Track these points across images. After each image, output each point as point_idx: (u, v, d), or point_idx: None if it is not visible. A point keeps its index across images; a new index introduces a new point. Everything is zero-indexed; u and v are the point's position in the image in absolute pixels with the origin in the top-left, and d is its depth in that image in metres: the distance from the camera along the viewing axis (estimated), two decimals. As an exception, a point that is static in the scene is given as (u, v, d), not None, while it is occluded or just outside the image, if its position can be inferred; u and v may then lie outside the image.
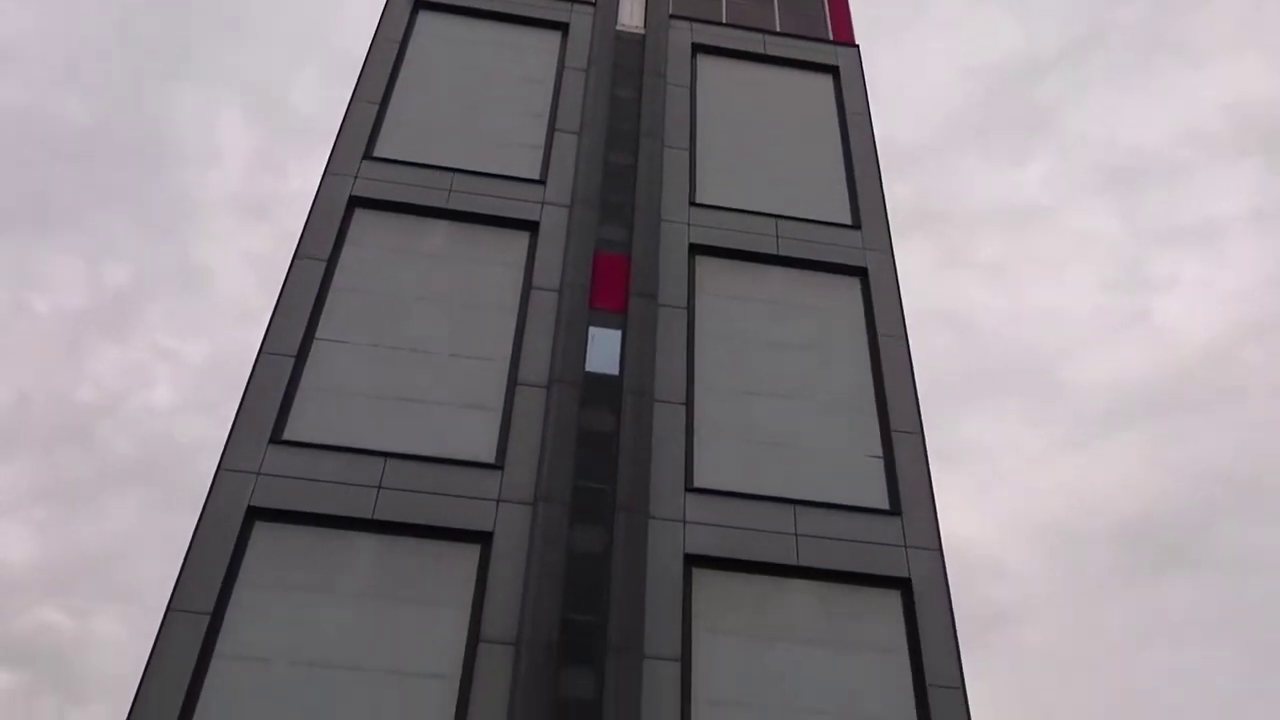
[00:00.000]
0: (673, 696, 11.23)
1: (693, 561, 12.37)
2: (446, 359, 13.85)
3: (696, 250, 15.92)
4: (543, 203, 15.96)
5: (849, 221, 16.95)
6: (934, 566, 12.78)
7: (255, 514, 11.86)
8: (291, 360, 13.25)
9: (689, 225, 16.15)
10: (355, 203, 15.43)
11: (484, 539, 12.08)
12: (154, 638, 10.78)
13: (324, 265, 14.43)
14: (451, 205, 15.66)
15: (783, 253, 16.09)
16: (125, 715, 10.23)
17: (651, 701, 11.10)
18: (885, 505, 13.36)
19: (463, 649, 11.25)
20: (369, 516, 11.99)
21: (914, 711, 11.64)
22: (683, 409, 13.77)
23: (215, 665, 10.76)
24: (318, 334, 13.70)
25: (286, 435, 12.56)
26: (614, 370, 13.86)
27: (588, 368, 13.79)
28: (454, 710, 10.80)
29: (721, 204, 16.74)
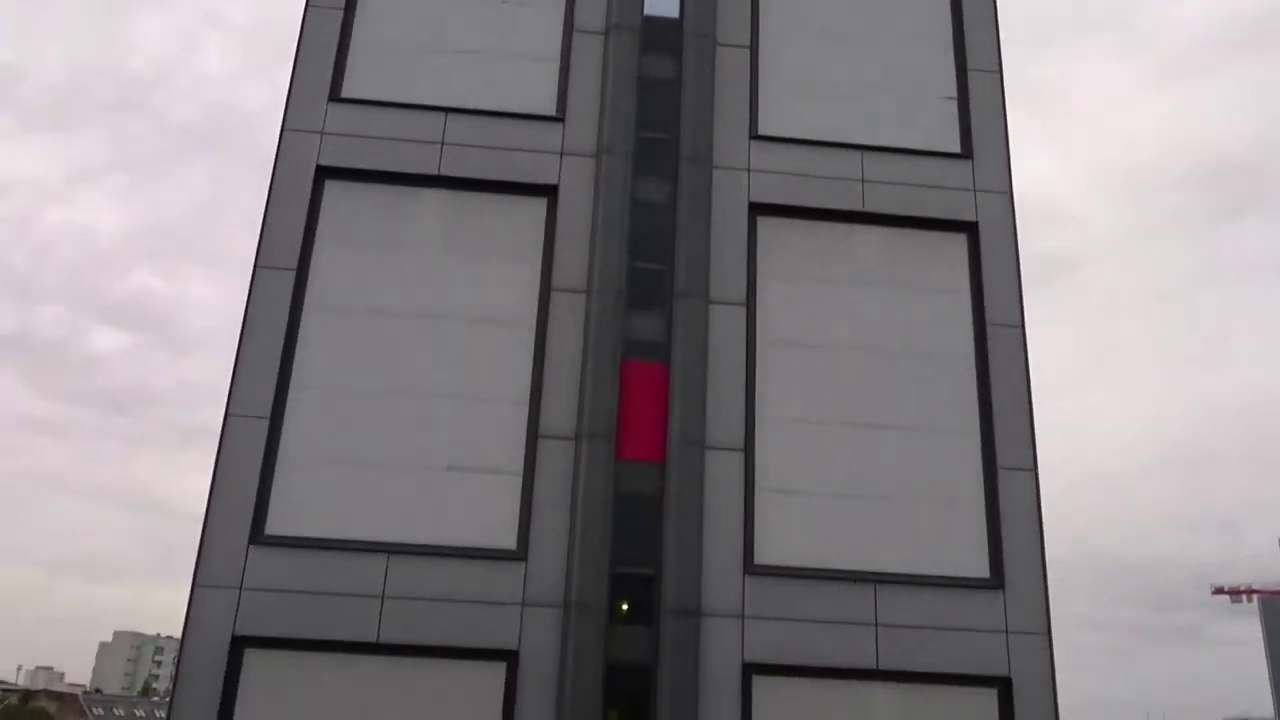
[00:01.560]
0: (738, 341, 11.75)
1: (757, 210, 12.42)
2: (499, 7, 13.25)
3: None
4: None
5: None
6: (1002, 209, 12.66)
7: (324, 173, 12.06)
8: (340, 14, 12.81)
9: None
10: None
11: (549, 192, 12.21)
12: (247, 295, 11.46)
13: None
14: None
15: None
16: (231, 367, 11.16)
17: (718, 345, 11.66)
18: (956, 149, 13.01)
19: (536, 297, 11.77)
20: (434, 173, 12.13)
21: (973, 348, 12.08)
22: (747, 53, 13.17)
23: (306, 317, 11.48)
24: (365, -17, 13.09)
25: (345, 93, 12.43)
26: (674, 12, 13.15)
27: (646, 10, 13.11)
28: (532, 354, 11.52)
29: None
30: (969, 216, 12.60)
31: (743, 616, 10.73)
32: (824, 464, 11.53)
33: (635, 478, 11.11)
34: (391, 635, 10.33)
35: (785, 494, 11.35)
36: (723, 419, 11.42)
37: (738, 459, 11.31)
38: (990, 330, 12.10)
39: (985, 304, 12.22)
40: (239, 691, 10.16)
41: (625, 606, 10.78)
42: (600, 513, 10.78)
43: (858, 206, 12.53)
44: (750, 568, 10.91)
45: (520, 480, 11.02)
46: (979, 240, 12.51)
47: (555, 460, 11.05)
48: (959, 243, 12.58)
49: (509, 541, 10.78)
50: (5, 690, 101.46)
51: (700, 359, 11.55)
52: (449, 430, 11.23)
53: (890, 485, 11.52)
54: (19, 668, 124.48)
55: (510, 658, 10.39)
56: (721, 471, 11.21)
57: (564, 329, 11.60)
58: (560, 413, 11.26)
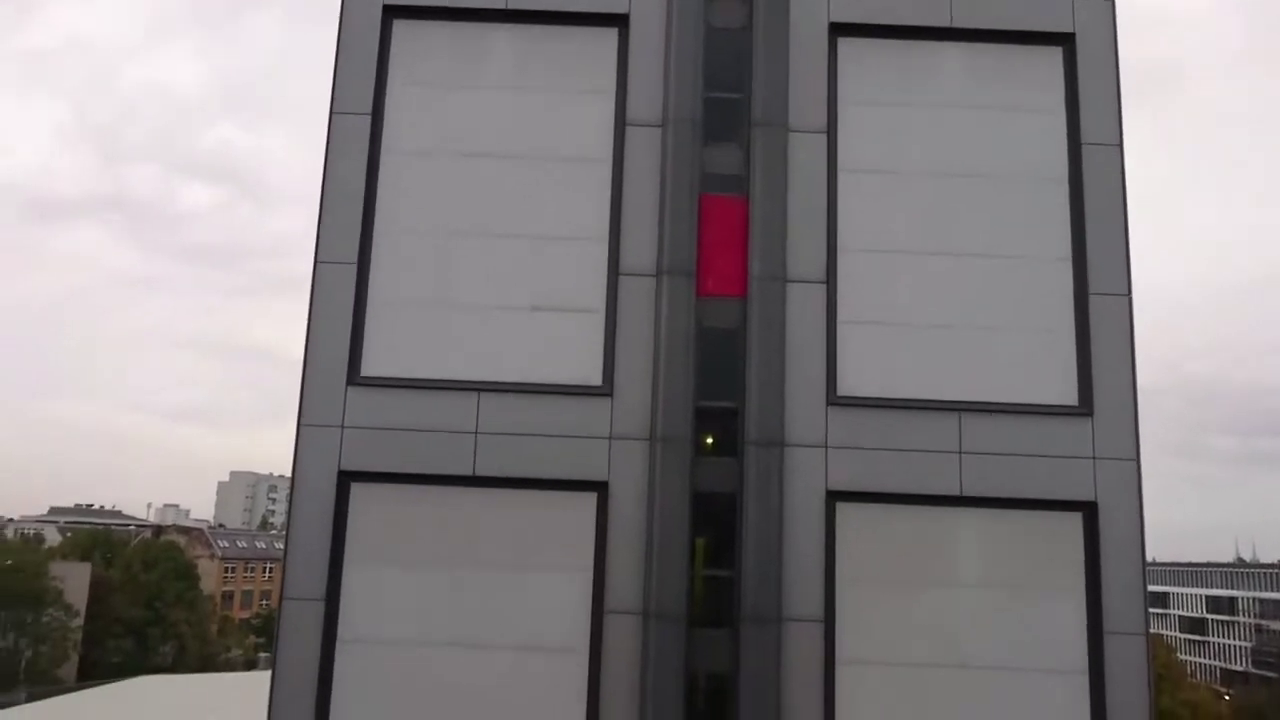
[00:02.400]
0: (819, 170, 11.45)
1: (838, 30, 11.84)
2: None
3: None
4: None
5: None
6: (1102, 17, 11.83)
7: (392, 12, 11.83)
8: None
9: None
10: None
11: (620, 21, 11.80)
12: (325, 142, 11.51)
13: None
14: None
15: None
16: (316, 219, 11.34)
17: (798, 175, 11.39)
18: (1054, -48, 12.09)
19: (611, 133, 11.57)
20: (503, 6, 11.81)
21: (1065, 170, 11.57)
22: None
23: (384, 161, 11.53)
24: None
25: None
26: None
27: None
28: (610, 191, 11.43)
29: None
30: (1065, 27, 11.82)
31: (826, 446, 10.89)
32: (908, 294, 11.37)
33: (717, 313, 11.15)
34: (486, 469, 10.79)
35: (868, 325, 11.28)
36: (804, 251, 11.28)
37: (819, 291, 11.23)
38: (1085, 150, 11.55)
39: (1080, 122, 11.61)
40: (348, 522, 10.83)
41: (710, 439, 11.03)
42: (682, 348, 10.91)
43: (945, 22, 11.85)
44: (833, 398, 10.99)
45: (603, 318, 11.16)
46: (1075, 53, 11.77)
47: (637, 297, 11.12)
48: (1053, 57, 11.85)
49: (595, 378, 11.02)
50: (139, 526, 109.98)
51: (780, 190, 11.33)
52: (531, 270, 11.34)
53: (977, 313, 11.35)
54: (148, 505, 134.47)
55: (600, 488, 10.80)
56: (803, 304, 11.16)
57: (641, 164, 11.44)
58: (640, 250, 11.25)
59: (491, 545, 10.82)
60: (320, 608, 10.60)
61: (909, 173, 11.64)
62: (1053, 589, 10.80)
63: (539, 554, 10.81)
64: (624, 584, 10.60)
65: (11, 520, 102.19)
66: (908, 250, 11.48)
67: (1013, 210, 11.56)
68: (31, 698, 60.43)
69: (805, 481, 10.82)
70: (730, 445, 10.94)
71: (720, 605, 10.63)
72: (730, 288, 11.20)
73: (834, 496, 10.84)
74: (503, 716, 10.44)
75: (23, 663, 70.78)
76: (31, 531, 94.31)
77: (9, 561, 72.74)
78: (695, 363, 10.93)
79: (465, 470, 10.79)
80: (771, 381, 10.90)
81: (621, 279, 11.20)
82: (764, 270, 11.13)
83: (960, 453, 10.90)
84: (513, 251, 11.40)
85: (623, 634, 10.50)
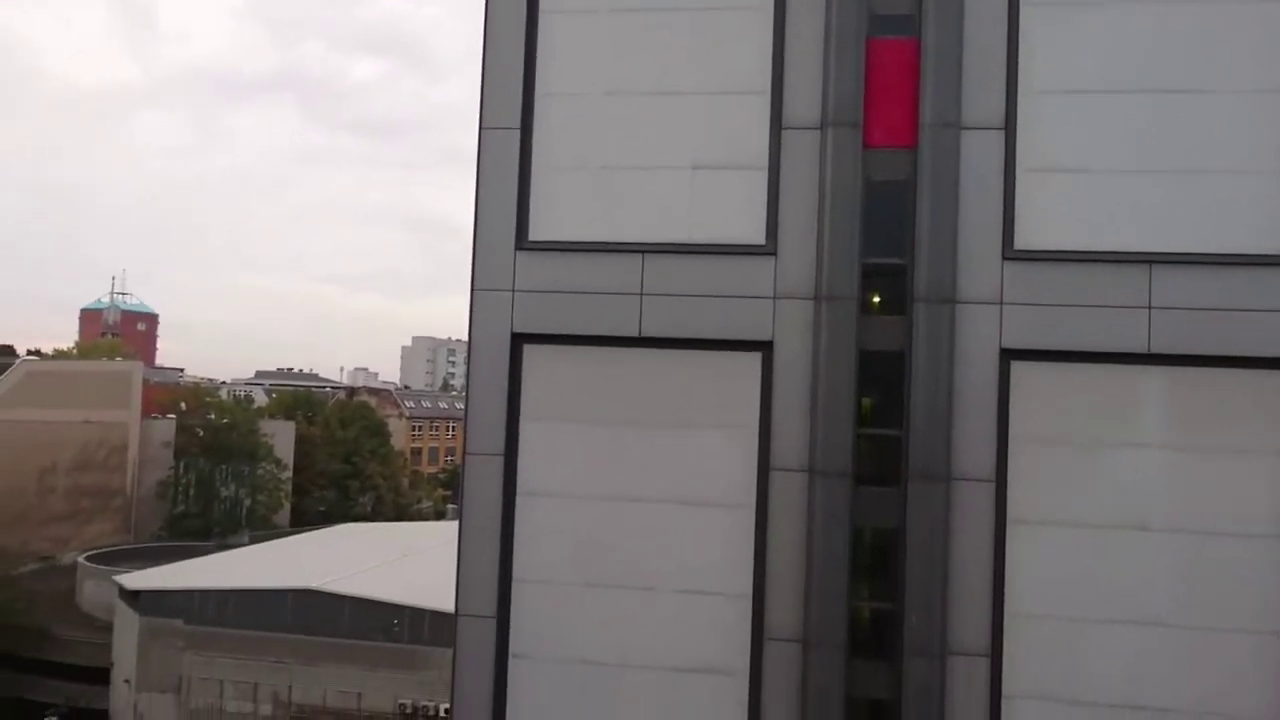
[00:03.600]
0: (998, 2, 10.61)
1: None
2: None
3: None
4: None
5: None
6: None
7: None
8: None
9: None
10: None
11: None
12: (484, 5, 11.50)
13: None
14: None
15: None
16: (479, 82, 11.45)
17: (975, 10, 10.59)
18: None
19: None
20: None
21: (1287, -12, 10.29)
22: None
23: (543, 22, 11.43)
24: None
25: None
26: None
27: None
28: (770, 39, 10.99)
29: None
30: None
31: (1001, 303, 10.46)
32: (1096, 137, 10.55)
33: (885, 165, 10.70)
34: (652, 329, 10.96)
35: (1050, 173, 10.57)
36: (980, 95, 10.58)
37: (997, 138, 10.57)
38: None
39: (1309, -68, 10.22)
40: (522, 382, 11.30)
41: (876, 297, 10.78)
42: (848, 203, 10.57)
43: None
44: (1010, 252, 10.47)
45: (765, 175, 10.91)
46: None
47: (801, 152, 10.79)
48: None
49: (758, 236, 10.88)
50: (334, 388, 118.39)
51: (954, 28, 10.58)
52: (692, 128, 11.14)
53: (1171, 157, 10.43)
54: (341, 369, 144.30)
55: (765, 348, 10.80)
56: (979, 152, 10.55)
57: (803, 9, 10.90)
58: (803, 101, 10.84)
59: (657, 404, 11.08)
60: (499, 462, 11.22)
61: (1099, 2, 10.63)
62: (1245, 450, 10.19)
63: (703, 413, 11.01)
64: (789, 442, 10.70)
65: (224, 383, 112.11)
66: (1096, 89, 10.58)
67: (1219, 37, 10.41)
68: (253, 540, 67.51)
69: (978, 339, 10.46)
70: (898, 303, 10.66)
71: (887, 463, 10.59)
72: (899, 138, 10.68)
73: (1008, 355, 10.45)
74: (668, 566, 10.90)
75: (244, 510, 78.73)
76: (242, 393, 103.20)
77: (225, 420, 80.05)
78: (861, 218, 10.59)
79: (631, 331, 11.00)
80: (943, 235, 10.46)
81: (785, 133, 10.86)
82: (936, 117, 10.53)
83: (1149, 308, 10.24)
84: (673, 109, 11.21)
85: (788, 490, 10.66)
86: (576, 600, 11.11)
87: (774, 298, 10.76)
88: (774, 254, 10.78)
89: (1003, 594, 10.36)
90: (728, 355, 10.91)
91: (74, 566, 62.31)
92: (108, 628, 51.85)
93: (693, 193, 11.07)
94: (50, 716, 48.72)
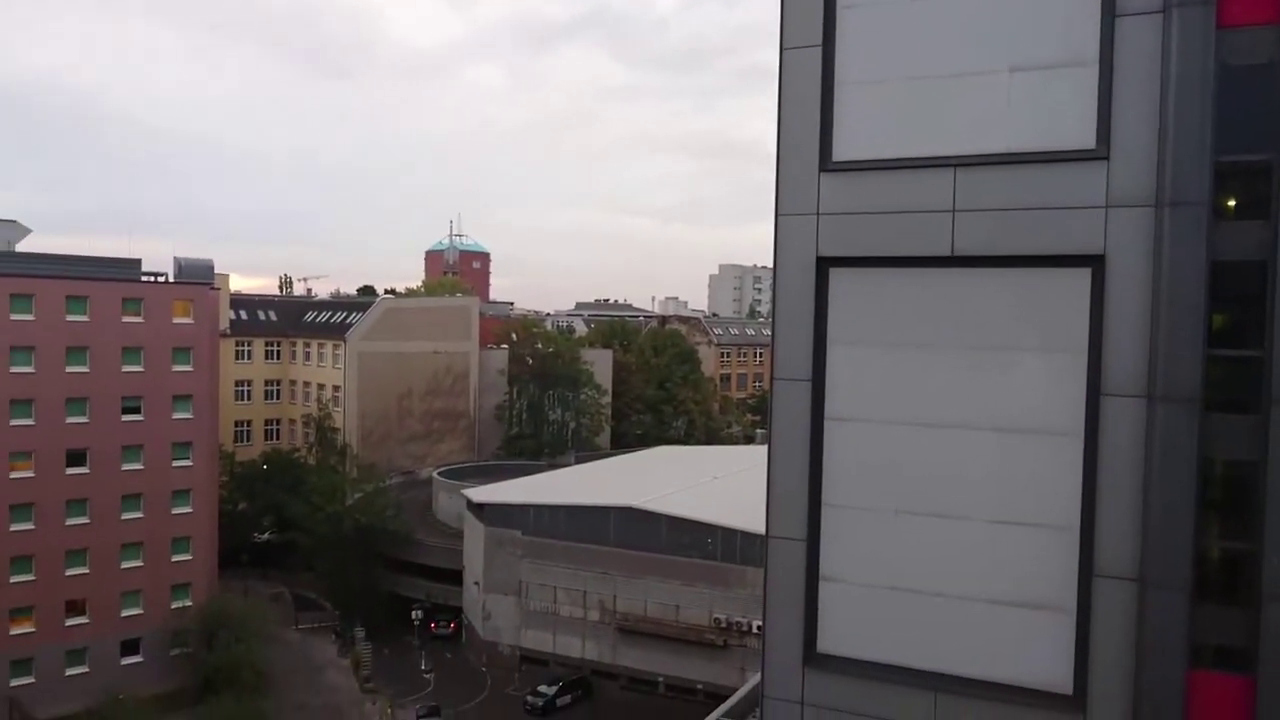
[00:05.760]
0: None
1: None
2: None
3: None
4: None
5: None
6: None
7: None
8: None
9: None
10: None
11: None
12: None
13: None
14: None
15: None
16: (778, 13, 11.19)
17: None
18: None
19: None
20: None
21: None
22: None
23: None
24: None
25: None
26: None
27: None
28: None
29: None
30: None
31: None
32: None
33: (1243, 46, 9.29)
34: (965, 247, 10.36)
35: None
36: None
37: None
38: None
39: None
40: (829, 306, 11.13)
41: (1231, 201, 9.48)
42: (1198, 94, 9.30)
43: None
44: None
45: (1096, 70, 9.84)
46: None
47: (1139, 38, 9.61)
48: None
49: (1087, 140, 9.88)
50: (646, 317, 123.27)
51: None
52: (1008, 26, 10.25)
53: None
54: (652, 298, 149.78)
55: (1095, 262, 9.88)
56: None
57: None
58: (1142, -17, 9.61)
59: (970, 326, 10.51)
60: (807, 387, 11.18)
61: None
62: None
63: (1022, 335, 10.31)
64: (1124, 365, 9.77)
65: (549, 315, 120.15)
66: None
67: None
68: (579, 460, 72.58)
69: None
70: (1260, 206, 9.31)
71: (1243, 387, 9.40)
72: (1261, 13, 9.20)
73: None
74: (983, 495, 10.41)
75: (569, 432, 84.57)
76: (565, 324, 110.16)
77: (551, 349, 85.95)
78: (1214, 111, 9.29)
79: (943, 250, 10.45)
80: (1320, 124, 8.96)
81: (1119, 21, 9.71)
82: (1312, -15, 8.96)
83: None
84: (986, 8, 10.36)
85: (1123, 417, 9.78)
86: (887, 526, 10.93)
87: (1105, 206, 9.77)
88: (1105, 158, 9.76)
89: (1393, 538, 8.96)
90: (1051, 273, 10.10)
91: (429, 480, 70.05)
92: (458, 535, 58.02)
93: (1010, 97, 10.23)
94: (417, 610, 55.62)
